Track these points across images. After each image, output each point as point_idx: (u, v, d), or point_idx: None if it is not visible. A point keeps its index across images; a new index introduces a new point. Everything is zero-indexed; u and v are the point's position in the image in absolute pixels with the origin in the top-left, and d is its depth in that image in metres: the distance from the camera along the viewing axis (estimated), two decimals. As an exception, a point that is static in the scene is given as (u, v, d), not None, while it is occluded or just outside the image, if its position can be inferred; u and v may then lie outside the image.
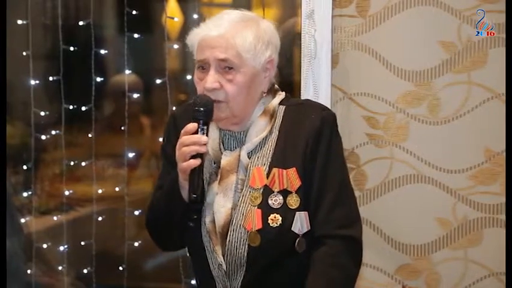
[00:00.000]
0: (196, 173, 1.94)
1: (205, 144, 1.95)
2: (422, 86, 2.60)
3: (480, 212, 2.60)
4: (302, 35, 2.65)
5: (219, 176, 2.03)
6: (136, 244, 3.31)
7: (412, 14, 2.57)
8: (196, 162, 1.93)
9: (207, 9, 3.75)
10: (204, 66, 2.01)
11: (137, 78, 3.56)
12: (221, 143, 2.08)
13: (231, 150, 2.06)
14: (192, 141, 1.94)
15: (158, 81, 3.20)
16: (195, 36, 2.03)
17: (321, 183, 2.00)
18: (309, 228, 1.99)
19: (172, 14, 3.36)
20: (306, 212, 1.99)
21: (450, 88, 2.59)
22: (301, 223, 1.98)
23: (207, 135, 1.97)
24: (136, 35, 3.19)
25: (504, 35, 2.50)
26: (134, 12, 3.16)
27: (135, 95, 3.35)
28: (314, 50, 2.62)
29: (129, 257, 3.32)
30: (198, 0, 3.25)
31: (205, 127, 1.96)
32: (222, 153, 2.05)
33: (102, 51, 3.27)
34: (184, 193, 1.98)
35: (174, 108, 3.23)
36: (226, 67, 1.99)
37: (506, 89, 2.28)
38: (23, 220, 3.23)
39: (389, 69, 2.61)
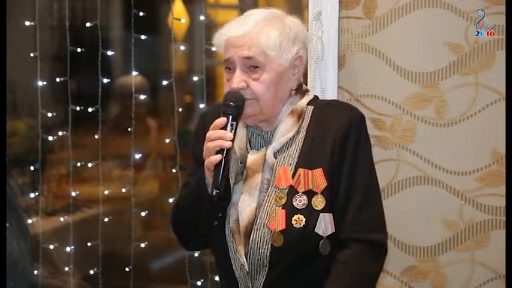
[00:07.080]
0: (219, 169, 1.92)
1: (231, 140, 1.93)
2: (429, 88, 2.59)
3: (487, 214, 2.59)
4: (309, 36, 2.64)
5: (244, 176, 2.02)
6: (142, 245, 3.31)
7: (419, 16, 2.57)
8: (217, 158, 1.91)
9: (213, 11, 3.75)
10: (230, 67, 2.00)
11: (144, 80, 3.57)
12: (248, 143, 2.07)
13: (257, 149, 2.05)
14: (217, 136, 1.92)
15: (164, 82, 3.21)
16: (221, 37, 2.02)
17: (347, 185, 1.98)
18: (334, 230, 1.97)
19: (179, 16, 3.36)
20: (331, 214, 1.97)
21: (457, 90, 2.58)
22: (325, 225, 1.96)
23: (235, 132, 1.95)
24: (143, 37, 3.19)
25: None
26: (141, 13, 3.17)
27: (142, 96, 3.35)
28: (321, 52, 2.61)
29: (135, 258, 3.32)
30: (204, 2, 3.25)
31: (234, 123, 1.94)
32: (248, 152, 2.04)
33: (109, 53, 3.28)
34: (210, 190, 1.96)
35: (179, 109, 3.25)
36: (252, 66, 1.98)
37: (506, 91, 2.27)
38: (29, 221, 3.24)
39: (396, 71, 2.60)
